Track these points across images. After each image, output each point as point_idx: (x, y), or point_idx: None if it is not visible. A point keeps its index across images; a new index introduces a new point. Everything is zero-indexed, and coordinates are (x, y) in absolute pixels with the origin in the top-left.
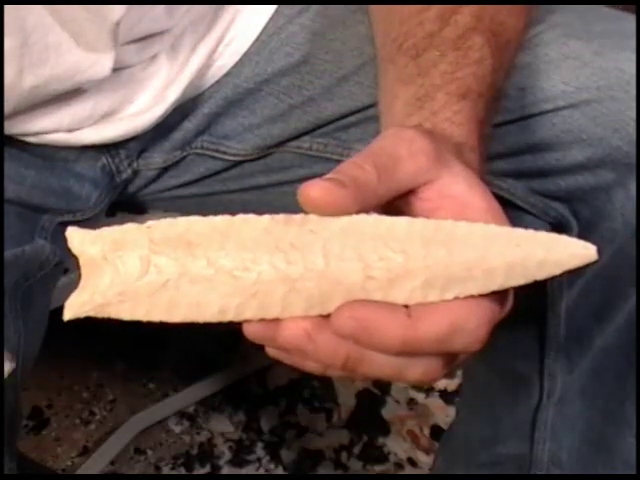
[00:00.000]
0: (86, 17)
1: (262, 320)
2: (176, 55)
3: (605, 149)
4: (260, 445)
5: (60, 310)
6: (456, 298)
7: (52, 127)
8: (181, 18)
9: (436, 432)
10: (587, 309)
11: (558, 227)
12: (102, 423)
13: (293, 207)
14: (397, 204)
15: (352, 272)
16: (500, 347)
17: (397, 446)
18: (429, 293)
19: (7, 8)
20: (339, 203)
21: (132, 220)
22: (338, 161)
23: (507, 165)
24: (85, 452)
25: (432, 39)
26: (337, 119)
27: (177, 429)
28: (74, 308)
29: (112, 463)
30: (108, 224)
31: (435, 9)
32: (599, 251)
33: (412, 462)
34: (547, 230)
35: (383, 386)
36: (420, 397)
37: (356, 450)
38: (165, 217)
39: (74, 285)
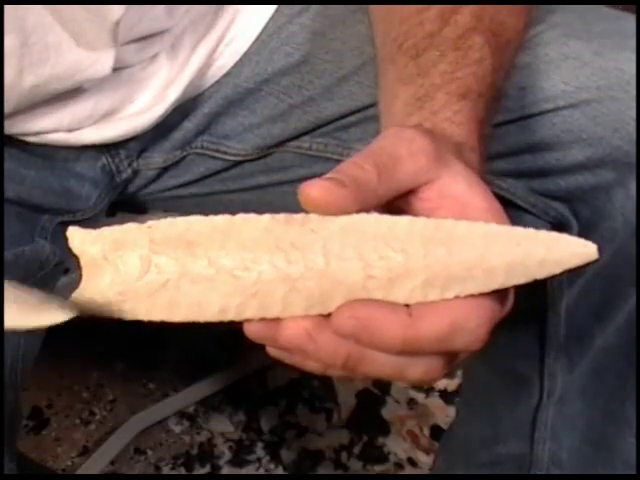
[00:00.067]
0: (86, 17)
1: (263, 320)
2: (176, 55)
3: (605, 149)
4: (260, 445)
5: None
6: (457, 297)
7: (52, 127)
8: (181, 18)
9: (436, 432)
10: (587, 309)
11: (558, 227)
12: (102, 423)
13: (293, 207)
14: (397, 204)
15: (353, 271)
16: (500, 347)
17: (397, 446)
18: (429, 292)
19: (7, 8)
20: (339, 203)
21: (132, 220)
22: (338, 161)
23: (507, 165)
24: (85, 452)
25: (432, 39)
26: (337, 119)
27: (177, 429)
28: (75, 309)
29: (112, 463)
30: (108, 224)
31: (435, 9)
32: (599, 250)
33: (412, 462)
34: (547, 230)
35: (383, 386)
36: (420, 397)
37: (356, 450)
38: (165, 217)
39: (74, 285)
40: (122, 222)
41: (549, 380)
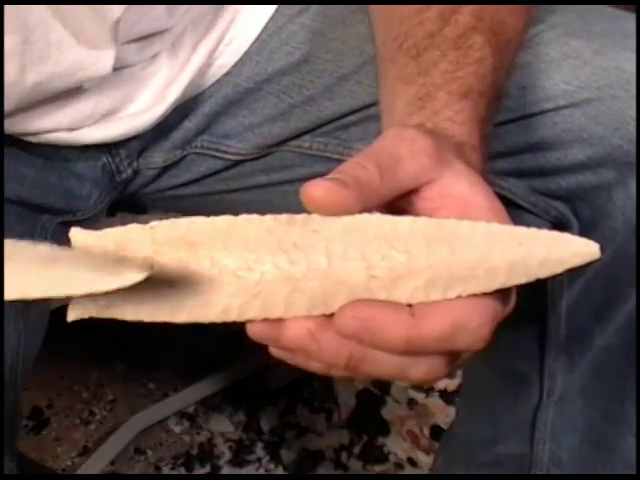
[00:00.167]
0: (87, 15)
1: (265, 320)
2: (176, 54)
3: (606, 148)
4: (260, 445)
5: (60, 310)
6: (459, 297)
7: (53, 126)
8: (181, 17)
9: (436, 432)
10: (587, 308)
11: (559, 226)
12: (102, 423)
13: (294, 206)
14: (399, 204)
15: (355, 272)
16: (500, 346)
17: (397, 446)
18: (432, 292)
19: (9, 6)
20: (341, 203)
21: (132, 220)
22: (339, 160)
23: (508, 164)
24: (85, 452)
25: (432, 39)
26: (337, 118)
27: (177, 429)
28: (77, 309)
29: (112, 463)
30: (108, 224)
31: (435, 9)
32: (601, 249)
33: (412, 462)
34: (548, 229)
35: (383, 386)
36: (420, 397)
37: (356, 450)
38: (167, 217)
39: None
40: (122, 222)
41: (549, 380)
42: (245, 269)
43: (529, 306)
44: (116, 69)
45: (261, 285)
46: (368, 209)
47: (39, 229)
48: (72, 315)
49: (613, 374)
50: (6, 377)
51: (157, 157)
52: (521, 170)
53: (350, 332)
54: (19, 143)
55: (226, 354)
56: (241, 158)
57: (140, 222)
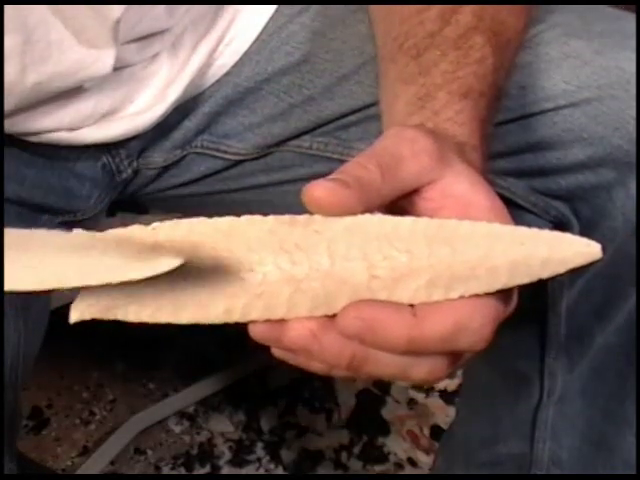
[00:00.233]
0: (87, 15)
1: (268, 321)
2: (177, 54)
3: (606, 148)
4: (260, 445)
5: (60, 310)
6: (461, 297)
7: (53, 126)
8: (181, 17)
9: (436, 432)
10: (588, 308)
11: (559, 226)
12: (102, 423)
13: (294, 206)
14: (401, 204)
15: (357, 272)
16: (501, 346)
17: (397, 446)
18: (434, 292)
19: (10, 6)
20: (343, 203)
21: (132, 220)
22: (339, 160)
23: (508, 164)
24: (85, 452)
25: (433, 39)
26: (337, 118)
27: (177, 429)
28: (80, 310)
29: (112, 463)
30: (108, 224)
31: (436, 9)
32: (603, 249)
33: (412, 462)
34: (548, 229)
35: (383, 386)
36: (420, 397)
37: (356, 450)
38: (168, 218)
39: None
40: (122, 222)
41: (549, 380)
42: (247, 270)
43: (529, 306)
44: (116, 69)
45: (263, 286)
46: (370, 209)
47: None
48: (74, 316)
49: (613, 374)
50: (6, 377)
51: (157, 157)
52: (521, 170)
53: (352, 332)
54: (19, 143)
55: (226, 354)
56: (241, 158)
57: (140, 222)
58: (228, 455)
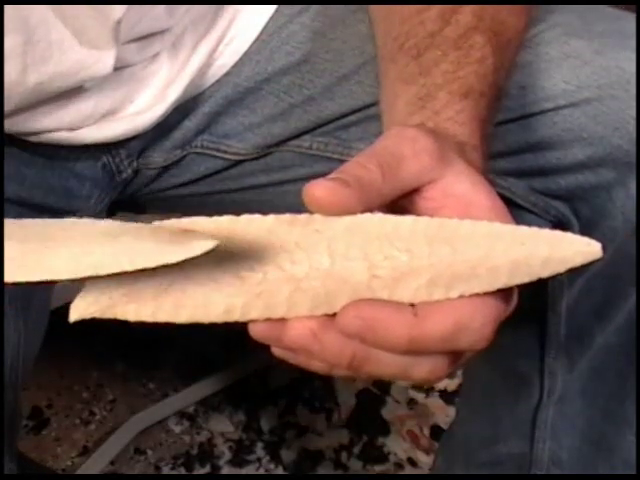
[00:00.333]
0: (88, 15)
1: (268, 320)
2: (177, 54)
3: (606, 148)
4: (260, 445)
5: (60, 310)
6: (461, 296)
7: (53, 126)
8: (182, 17)
9: (436, 432)
10: (588, 308)
11: (559, 226)
12: (102, 423)
13: (294, 206)
14: (401, 203)
15: (357, 271)
16: (501, 346)
17: (397, 446)
18: (434, 291)
19: (11, 7)
20: (344, 203)
21: (132, 220)
22: (339, 160)
23: (508, 164)
24: (85, 452)
25: (433, 38)
26: (338, 118)
27: (177, 429)
28: (80, 310)
29: (112, 463)
30: None
31: (436, 9)
32: (603, 248)
33: (412, 462)
34: (549, 229)
35: (383, 386)
36: (420, 397)
37: (356, 450)
38: (168, 217)
39: (75, 286)
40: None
41: (549, 379)
42: (247, 269)
43: (529, 306)
44: (117, 69)
45: (263, 285)
46: (370, 209)
47: None
48: (74, 316)
49: (613, 373)
50: (6, 377)
51: (157, 157)
52: (521, 170)
53: (353, 332)
54: (19, 143)
55: (226, 354)
56: (241, 158)
57: (140, 222)
58: (228, 455)
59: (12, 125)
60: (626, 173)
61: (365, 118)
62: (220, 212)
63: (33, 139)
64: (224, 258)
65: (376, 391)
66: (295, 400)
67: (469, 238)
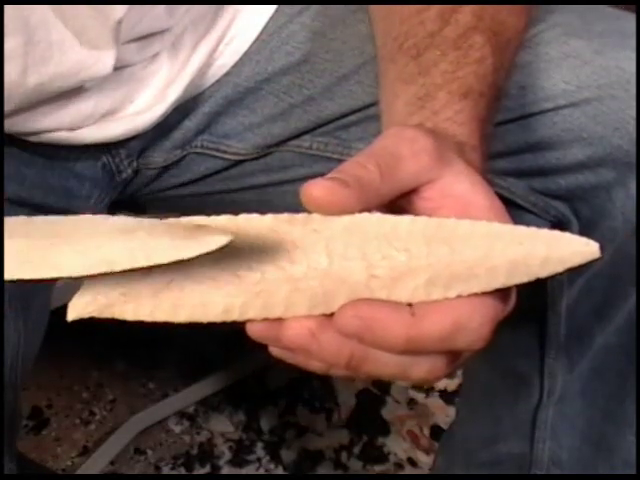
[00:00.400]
0: (89, 15)
1: (266, 320)
2: (177, 54)
3: (605, 148)
4: (260, 445)
5: (60, 310)
6: (459, 296)
7: (53, 126)
8: (181, 17)
9: (436, 432)
10: (588, 308)
11: (559, 226)
12: (102, 423)
13: (294, 206)
14: (400, 203)
15: (355, 271)
16: (500, 346)
17: (397, 446)
18: (432, 291)
19: (12, 7)
20: (342, 202)
21: None
22: (339, 160)
23: (507, 164)
24: (85, 452)
25: (433, 38)
26: (338, 118)
27: (177, 429)
28: (78, 309)
29: (112, 463)
30: None
31: (435, 8)
32: (602, 248)
33: (412, 462)
34: (548, 229)
35: (383, 386)
36: (420, 397)
37: (356, 450)
38: (167, 217)
39: (75, 285)
40: None
41: (549, 379)
42: (246, 268)
43: (529, 306)
44: (117, 69)
45: (261, 284)
46: (368, 209)
47: None
48: (72, 315)
49: (613, 374)
50: (6, 377)
51: (157, 157)
52: (521, 170)
53: (350, 331)
54: (19, 143)
55: (226, 354)
56: (241, 158)
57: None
58: (228, 455)
59: (12, 125)
60: (626, 173)
61: (365, 118)
62: (220, 212)
63: (33, 139)
64: (222, 258)
65: (376, 391)
66: (295, 400)
67: (467, 238)
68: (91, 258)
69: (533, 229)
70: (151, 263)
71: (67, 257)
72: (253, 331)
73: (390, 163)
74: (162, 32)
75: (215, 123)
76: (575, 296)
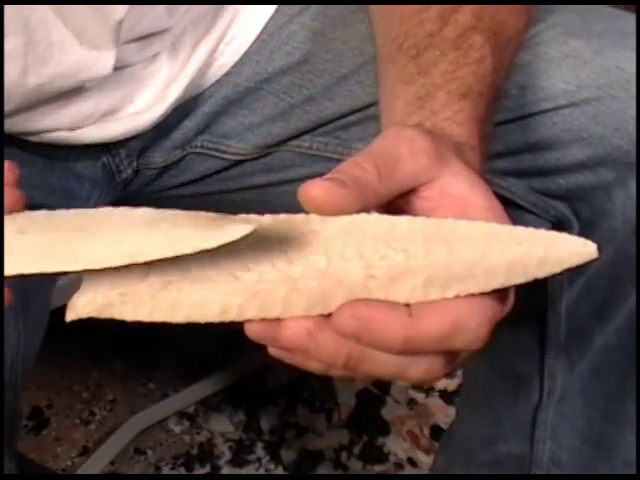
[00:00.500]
0: (89, 15)
1: (264, 320)
2: (177, 54)
3: (605, 148)
4: (260, 445)
5: (60, 310)
6: (457, 297)
7: (53, 126)
8: (182, 17)
9: (436, 432)
10: (587, 308)
11: (559, 226)
12: (102, 423)
13: (294, 206)
14: (398, 203)
15: (353, 271)
16: (501, 346)
17: (397, 446)
18: (430, 292)
19: (12, 7)
20: (340, 203)
21: None
22: (338, 160)
23: (507, 164)
24: (85, 452)
25: (432, 38)
26: (337, 118)
27: (177, 429)
28: (77, 309)
29: (112, 463)
30: None
31: (435, 8)
32: (599, 249)
33: (412, 462)
34: (548, 229)
35: (383, 386)
36: (420, 397)
37: (356, 450)
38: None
39: (74, 285)
40: None
41: (549, 380)
42: (243, 269)
43: (529, 306)
44: (117, 69)
45: (259, 285)
46: (366, 209)
47: None
48: (71, 315)
49: (613, 374)
50: (6, 377)
51: (157, 157)
52: (520, 170)
53: (348, 332)
54: (19, 143)
55: (226, 354)
56: (241, 158)
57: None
58: (228, 455)
59: (12, 125)
60: (626, 173)
61: (365, 118)
62: (220, 212)
63: (33, 139)
64: (221, 258)
65: (376, 391)
66: (295, 400)
67: (465, 238)
68: (115, 251)
69: (531, 230)
70: (177, 253)
71: (93, 250)
72: (251, 331)
73: (388, 163)
74: (162, 32)
75: (215, 123)
76: (575, 296)
